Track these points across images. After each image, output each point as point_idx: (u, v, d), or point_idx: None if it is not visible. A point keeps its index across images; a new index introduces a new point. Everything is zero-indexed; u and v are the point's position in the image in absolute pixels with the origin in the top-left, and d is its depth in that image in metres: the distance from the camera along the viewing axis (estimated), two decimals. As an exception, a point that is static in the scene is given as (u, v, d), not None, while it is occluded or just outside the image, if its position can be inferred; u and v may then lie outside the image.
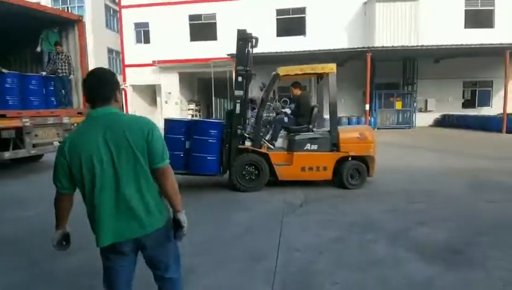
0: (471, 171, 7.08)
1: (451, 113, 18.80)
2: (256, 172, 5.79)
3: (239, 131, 5.74)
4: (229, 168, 5.80)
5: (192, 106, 22.61)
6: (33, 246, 3.62)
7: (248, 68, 5.82)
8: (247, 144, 6.04)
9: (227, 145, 5.78)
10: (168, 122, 6.02)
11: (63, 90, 8.46)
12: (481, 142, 12.47)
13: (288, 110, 6.51)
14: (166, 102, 21.37)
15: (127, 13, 21.36)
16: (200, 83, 24.03)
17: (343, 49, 16.45)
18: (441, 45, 15.24)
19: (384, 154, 9.72)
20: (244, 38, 5.85)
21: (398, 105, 18.65)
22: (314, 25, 19.42)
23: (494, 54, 16.35)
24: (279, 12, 19.81)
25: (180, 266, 2.01)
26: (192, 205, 5.20)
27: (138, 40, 21.71)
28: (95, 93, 1.70)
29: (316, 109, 6.27)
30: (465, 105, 19.83)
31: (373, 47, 15.89)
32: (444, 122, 18.91)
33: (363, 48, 15.88)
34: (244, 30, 5.89)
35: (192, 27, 20.63)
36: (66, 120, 8.07)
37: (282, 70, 5.93)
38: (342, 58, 17.97)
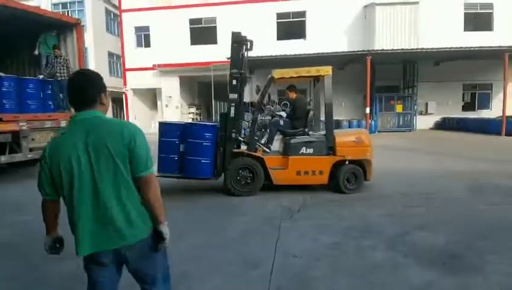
0: (470, 174, 7.02)
1: (451, 116, 18.75)
2: (251, 176, 5.71)
3: (233, 135, 5.68)
4: (224, 172, 5.74)
5: (193, 110, 22.62)
6: (31, 250, 3.56)
7: (243, 71, 5.77)
8: (243, 147, 5.98)
9: (221, 149, 5.72)
10: (163, 125, 5.99)
11: (61, 94, 8.42)
12: (481, 145, 12.41)
13: (283, 114, 6.46)
14: (166, 106, 21.36)
15: (127, 17, 21.39)
16: (200, 86, 24.05)
17: (343, 52, 16.43)
18: (440, 48, 15.23)
19: (383, 158, 9.67)
20: (239, 41, 5.80)
21: (399, 108, 18.60)
22: (314, 29, 19.43)
23: (494, 56, 16.32)
24: (280, 16, 19.83)
25: (169, 279, 1.89)
26: (187, 210, 5.19)
27: (139, 44, 21.74)
28: (78, 96, 1.64)
29: (311, 112, 6.22)
30: (465, 108, 19.80)
31: (373, 50, 15.87)
32: (445, 125, 18.86)
33: (363, 51, 15.86)
34: (239, 33, 5.84)
35: (192, 31, 20.66)
36: (63, 124, 8.04)
37: (277, 74, 5.87)
38: (342, 61, 17.98)
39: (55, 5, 22.97)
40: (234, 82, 5.70)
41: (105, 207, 1.56)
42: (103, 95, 1.68)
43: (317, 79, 6.33)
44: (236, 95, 5.70)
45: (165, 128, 5.92)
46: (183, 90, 21.95)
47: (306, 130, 6.05)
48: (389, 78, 19.08)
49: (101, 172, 1.55)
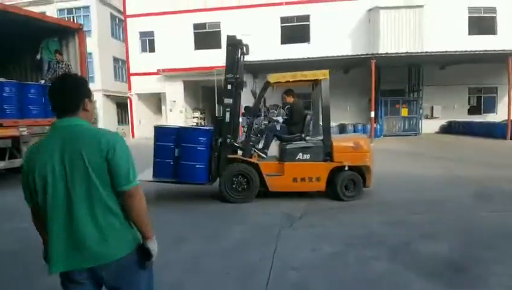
0: (475, 179, 6.88)
1: (457, 120, 18.51)
2: (246, 183, 5.58)
3: (228, 140, 5.58)
4: (219, 177, 5.63)
5: (197, 114, 22.59)
6: (28, 258, 3.49)
7: (238, 76, 5.67)
8: (240, 153, 5.86)
9: (215, 153, 5.61)
10: (158, 129, 5.92)
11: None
12: (486, 149, 12.20)
13: (280, 119, 6.34)
14: (171, 110, 21.37)
15: (132, 22, 21.51)
16: (204, 91, 24.04)
17: (347, 56, 16.29)
18: (445, 51, 15.05)
19: (387, 162, 9.53)
20: (234, 45, 5.69)
21: (404, 112, 18.41)
22: (318, 33, 19.35)
23: (498, 60, 16.13)
24: (284, 20, 19.79)
25: None
26: (185, 215, 5.11)
27: (143, 49, 21.82)
28: (59, 102, 1.55)
29: (308, 117, 6.09)
30: (471, 111, 19.55)
31: (377, 54, 15.74)
32: (450, 129, 18.61)
33: (367, 54, 15.74)
34: (234, 36, 5.74)
35: (196, 36, 20.69)
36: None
37: (273, 78, 5.73)
38: (346, 65, 17.88)
39: (60, 10, 23.16)
40: (229, 87, 5.60)
41: (77, 224, 1.45)
42: (87, 100, 1.59)
43: (315, 83, 6.20)
44: (231, 100, 5.59)
45: (160, 132, 5.85)
46: (187, 95, 21.95)
47: (303, 135, 5.89)
48: (394, 81, 18.91)
49: (74, 186, 1.45)
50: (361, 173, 5.66)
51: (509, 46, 15.70)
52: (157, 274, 3.15)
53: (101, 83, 23.08)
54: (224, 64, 5.70)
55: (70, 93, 1.55)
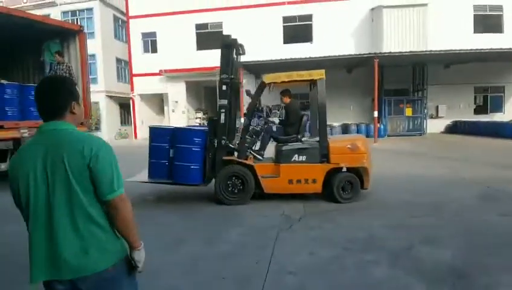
0: (481, 181, 6.74)
1: (463, 120, 18.31)
2: (242, 185, 5.50)
3: (223, 142, 5.50)
4: (215, 178, 5.56)
5: (200, 115, 22.57)
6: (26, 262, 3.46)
7: (233, 76, 5.59)
8: (236, 154, 5.78)
9: (210, 154, 5.55)
10: (153, 130, 5.89)
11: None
12: (493, 149, 12.03)
13: (276, 120, 6.28)
14: (173, 111, 21.37)
15: (134, 23, 21.53)
16: (206, 91, 24.02)
17: (350, 55, 16.17)
18: (448, 50, 14.87)
19: (390, 163, 9.44)
20: (228, 45, 5.62)
21: (408, 112, 18.24)
22: (321, 32, 19.24)
23: (505, 58, 15.93)
24: (286, 19, 19.70)
25: None
26: (184, 217, 5.07)
27: (146, 50, 21.84)
28: (45, 105, 1.49)
29: (305, 118, 5.99)
30: (477, 111, 19.34)
31: (380, 53, 15.58)
32: (456, 128, 18.41)
33: (370, 54, 15.59)
34: (229, 36, 5.68)
35: (198, 36, 20.66)
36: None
37: (268, 78, 5.66)
38: (349, 64, 17.76)
39: (64, 12, 23.30)
40: (224, 88, 5.52)
41: (56, 234, 1.39)
42: (74, 103, 1.52)
43: (313, 83, 6.11)
44: (226, 101, 5.52)
45: (155, 133, 5.82)
46: (190, 95, 21.94)
47: (299, 136, 5.79)
48: (398, 81, 18.77)
49: (55, 193, 1.39)
50: (359, 174, 5.54)
51: (515, 45, 15.51)
52: (154, 278, 3.12)
53: (104, 84, 23.18)
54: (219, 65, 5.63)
55: (57, 95, 1.49)
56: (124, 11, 22.62)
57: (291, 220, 4.70)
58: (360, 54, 16.19)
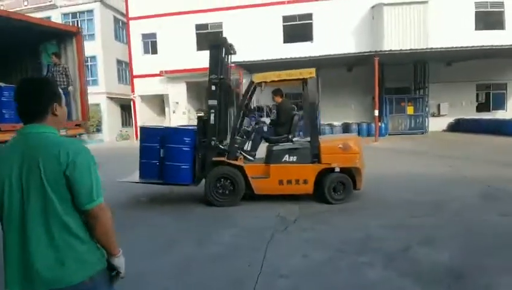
0: (483, 179, 6.64)
1: (465, 118, 18.14)
2: (232, 186, 5.44)
3: (213, 142, 5.44)
4: (205, 178, 5.51)
5: (201, 115, 22.50)
6: None
7: (222, 76, 5.53)
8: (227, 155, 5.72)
9: (199, 154, 5.49)
10: (143, 130, 5.92)
11: (62, 103, 8.37)
12: (495, 147, 11.89)
13: (267, 120, 6.21)
14: (174, 112, 21.35)
15: (134, 25, 21.51)
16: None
17: (350, 53, 16.05)
18: (449, 47, 14.72)
19: (390, 162, 9.36)
20: (217, 45, 5.56)
21: (410, 110, 18.08)
22: (321, 31, 19.13)
23: (507, 55, 15.76)
24: (286, 19, 19.61)
25: None
26: (178, 218, 5.02)
27: (146, 51, 21.82)
28: (25, 107, 1.43)
29: (296, 117, 5.90)
30: (480, 108, 19.15)
31: (380, 51, 15.46)
32: (458, 126, 18.24)
33: (370, 52, 15.47)
34: (217, 35, 5.62)
35: (198, 36, 20.61)
36: (63, 132, 7.96)
37: (257, 77, 5.60)
38: (349, 63, 17.66)
39: (65, 14, 23.35)
40: (213, 88, 5.46)
41: (29, 244, 1.32)
42: (56, 105, 1.46)
43: (304, 82, 6.02)
44: (216, 101, 5.45)
45: (145, 133, 5.82)
46: (190, 96, 21.91)
47: (290, 136, 5.71)
48: (399, 79, 18.63)
49: (30, 202, 1.32)
50: (351, 175, 5.44)
51: (517, 41, 15.33)
52: (145, 281, 3.07)
53: (105, 85, 23.23)
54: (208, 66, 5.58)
55: (38, 96, 1.43)
56: (124, 12, 22.63)
57: (286, 221, 4.64)
58: (359, 53, 16.06)
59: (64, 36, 8.62)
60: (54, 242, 1.33)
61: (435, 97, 18.54)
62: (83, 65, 8.83)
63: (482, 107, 19.20)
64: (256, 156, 5.91)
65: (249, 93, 5.67)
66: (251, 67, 16.99)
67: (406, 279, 2.94)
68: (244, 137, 5.94)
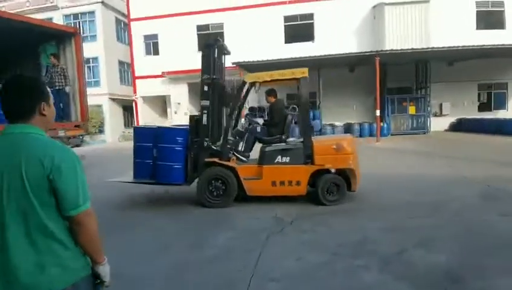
0: (483, 179, 6.56)
1: (467, 117, 18.02)
2: (224, 187, 5.38)
3: (206, 143, 5.39)
4: (198, 178, 5.46)
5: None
6: None
7: (215, 77, 5.48)
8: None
9: (192, 153, 5.44)
10: (137, 130, 5.93)
11: (60, 104, 8.38)
12: (496, 147, 11.80)
13: (260, 120, 6.16)
14: (175, 112, 21.34)
15: (136, 26, 21.53)
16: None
17: (351, 53, 15.95)
18: (451, 47, 14.61)
19: (390, 162, 9.29)
20: (209, 45, 5.52)
21: (412, 110, 17.97)
22: (322, 31, 19.07)
23: (508, 55, 15.66)
24: (287, 19, 19.56)
25: None
26: (174, 222, 4.95)
27: (147, 52, 21.84)
28: (11, 106, 1.37)
29: (289, 117, 5.83)
30: (481, 108, 19.03)
31: (381, 50, 15.37)
32: (460, 126, 18.12)
33: (371, 52, 15.39)
34: (209, 35, 5.57)
35: (200, 37, 20.59)
36: (61, 133, 7.99)
37: (249, 77, 5.55)
38: (351, 63, 17.58)
39: (66, 16, 23.40)
40: (205, 88, 5.41)
41: (7, 249, 1.27)
42: (43, 104, 1.41)
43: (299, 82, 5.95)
44: (209, 102, 5.40)
45: (139, 132, 5.81)
46: (192, 97, 21.87)
47: (283, 136, 5.63)
48: (401, 79, 18.54)
49: (9, 204, 1.27)
50: (346, 176, 5.34)
51: (518, 41, 15.21)
52: (136, 285, 3.03)
53: (107, 86, 23.27)
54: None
55: (25, 95, 1.37)
56: (126, 13, 22.66)
57: (283, 223, 4.58)
58: (360, 52, 15.98)
59: (63, 37, 8.65)
60: (35, 248, 1.29)
61: (437, 97, 18.44)
62: (82, 66, 8.85)
63: (483, 107, 19.08)
64: (251, 157, 5.86)
65: (242, 94, 5.62)
66: (252, 68, 16.94)
67: (401, 282, 2.88)
68: (237, 138, 5.89)
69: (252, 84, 5.53)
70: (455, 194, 5.70)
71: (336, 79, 18.11)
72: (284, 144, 5.52)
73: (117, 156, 12.77)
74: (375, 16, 18.10)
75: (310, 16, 19.36)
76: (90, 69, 23.60)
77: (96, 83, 23.42)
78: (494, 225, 4.24)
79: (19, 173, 1.26)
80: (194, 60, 19.83)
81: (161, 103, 23.07)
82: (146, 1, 20.88)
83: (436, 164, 8.81)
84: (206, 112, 5.37)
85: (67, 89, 8.21)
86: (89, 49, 21.51)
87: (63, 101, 8.39)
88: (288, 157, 5.33)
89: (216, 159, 5.42)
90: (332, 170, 5.26)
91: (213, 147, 5.46)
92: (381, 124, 16.51)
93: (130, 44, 22.28)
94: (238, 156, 5.69)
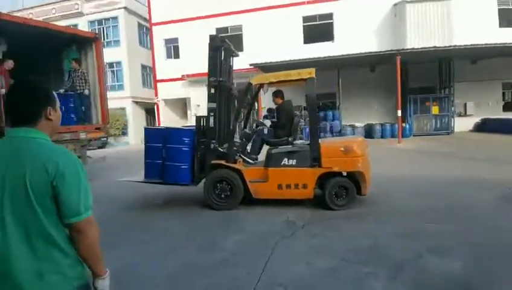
0: (504, 182, 6.28)
1: (491, 117, 17.29)
2: (230, 189, 5.37)
3: (212, 145, 5.39)
4: (204, 180, 5.49)
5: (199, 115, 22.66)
6: None
7: (221, 79, 5.46)
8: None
9: (198, 154, 5.47)
10: (147, 131, 6.03)
11: (82, 107, 8.64)
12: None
13: (267, 122, 6.11)
14: (195, 114, 21.57)
15: (157, 30, 21.98)
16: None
17: (371, 52, 15.63)
18: (473, 45, 14.08)
19: (409, 164, 9.07)
20: (216, 47, 5.50)
21: (435, 110, 17.43)
22: (342, 30, 18.83)
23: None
24: (306, 19, 19.44)
25: None
26: (185, 223, 4.98)
27: (168, 56, 22.24)
28: (15, 109, 1.36)
29: (296, 119, 5.74)
30: (506, 108, 18.21)
31: (402, 49, 15.00)
32: (484, 126, 17.40)
33: (392, 50, 15.04)
34: (216, 36, 5.56)
35: (219, 40, 20.76)
36: (82, 135, 8.23)
37: (255, 79, 5.54)
38: (371, 62, 17.24)
39: (91, 22, 24.19)
40: (212, 90, 5.43)
41: (9, 258, 1.25)
42: (50, 109, 1.39)
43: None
44: (215, 104, 5.42)
45: (149, 133, 5.92)
46: (212, 99, 22.09)
47: (290, 138, 5.53)
48: (423, 78, 18.01)
49: (11, 210, 1.25)
50: (355, 179, 5.15)
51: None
52: (141, 287, 3.06)
53: (130, 90, 23.87)
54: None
55: (31, 99, 1.36)
56: (148, 18, 23.17)
57: (295, 226, 4.51)
58: (380, 52, 15.64)
59: (84, 42, 8.91)
60: (35, 254, 1.27)
61: (461, 96, 17.84)
62: (103, 70, 9.09)
63: (508, 107, 18.28)
64: (259, 159, 5.83)
65: (247, 95, 5.61)
66: (270, 69, 16.91)
67: (410, 291, 2.78)
68: (244, 140, 5.88)
69: (260, 85, 5.50)
70: (475, 198, 5.47)
71: (356, 79, 17.82)
72: (290, 146, 5.43)
73: (138, 157, 13.01)
74: (396, 14, 17.71)
75: (329, 16, 19.16)
76: (114, 73, 24.30)
77: (120, 87, 24.07)
78: (513, 230, 4.05)
79: (23, 182, 1.24)
80: (213, 63, 20.14)
81: (182, 105, 23.40)
82: (167, 5, 21.25)
83: (456, 165, 8.53)
84: (212, 114, 5.39)
85: (86, 91, 8.44)
86: (113, 54, 22.20)
87: (84, 104, 8.65)
88: (295, 160, 5.23)
89: (222, 161, 5.42)
90: (344, 173, 5.12)
91: (219, 149, 5.47)
92: (403, 124, 16.12)
93: (151, 48, 22.75)
94: (245, 158, 5.65)
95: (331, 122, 17.06)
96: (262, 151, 5.95)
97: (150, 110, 25.19)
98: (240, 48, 20.17)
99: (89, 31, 17.24)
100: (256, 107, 18.91)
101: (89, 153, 9.59)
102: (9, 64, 7.32)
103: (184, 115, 23.64)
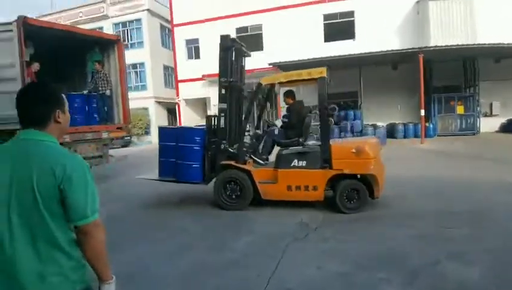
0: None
1: (518, 118, 16.50)
2: (239, 190, 5.37)
3: (223, 146, 5.40)
4: (215, 179, 5.52)
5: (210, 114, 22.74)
6: None
7: (232, 79, 5.47)
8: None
9: (209, 153, 5.51)
10: (161, 130, 6.18)
11: (104, 107, 8.90)
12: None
13: (278, 123, 6.07)
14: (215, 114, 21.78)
15: (178, 31, 22.31)
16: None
17: (392, 50, 15.26)
18: (497, 43, 13.51)
19: (430, 165, 8.82)
20: (227, 47, 5.49)
21: (460, 109, 16.87)
22: (363, 28, 18.51)
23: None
24: (326, 17, 19.23)
25: None
26: (199, 222, 5.03)
27: (189, 56, 22.53)
28: (25, 112, 1.37)
29: (307, 119, 5.65)
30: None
31: (424, 47, 14.58)
32: (510, 127, 16.63)
33: (414, 48, 14.65)
34: (227, 36, 5.50)
35: (239, 39, 20.78)
36: (104, 135, 8.47)
37: (265, 80, 5.52)
38: (393, 61, 16.85)
39: (115, 24, 24.82)
40: (223, 91, 5.45)
41: (13, 260, 1.26)
42: (59, 112, 1.40)
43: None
44: (226, 104, 5.43)
45: (163, 132, 6.05)
46: (232, 99, 22.23)
47: (301, 139, 5.45)
48: (448, 77, 17.44)
49: (18, 212, 1.26)
50: (368, 182, 5.02)
51: None
52: (152, 286, 3.13)
53: (152, 90, 24.36)
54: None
55: (40, 101, 1.38)
56: (170, 19, 23.55)
57: (308, 229, 4.47)
58: (402, 49, 15.25)
59: (106, 44, 9.16)
60: (39, 257, 1.28)
61: (486, 96, 17.18)
62: (124, 71, 9.32)
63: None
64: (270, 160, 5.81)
65: (258, 96, 5.61)
66: (289, 68, 16.81)
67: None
68: (254, 140, 5.88)
69: (271, 86, 5.49)
70: (498, 201, 5.26)
71: (378, 77, 17.46)
72: (301, 147, 5.34)
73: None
74: (418, 12, 17.24)
75: (351, 14, 18.87)
76: (137, 74, 24.86)
77: (143, 87, 24.59)
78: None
79: (30, 186, 1.25)
80: (233, 63, 20.25)
81: (202, 105, 23.66)
82: (188, 7, 21.52)
83: (479, 167, 8.27)
84: (223, 114, 5.42)
85: (108, 92, 8.67)
86: (136, 55, 22.72)
87: (106, 104, 8.91)
88: (305, 161, 5.15)
89: (232, 162, 5.44)
90: (358, 175, 5.01)
91: (230, 149, 5.50)
92: (427, 124, 15.69)
93: (173, 49, 23.11)
94: (255, 159, 5.63)
95: (352, 121, 16.79)
96: (273, 152, 5.93)
97: (171, 110, 25.60)
98: (260, 47, 20.19)
99: (112, 33, 17.66)
100: (275, 107, 18.86)
101: (112, 152, 9.86)
102: (36, 66, 7.62)
103: (204, 114, 23.84)
